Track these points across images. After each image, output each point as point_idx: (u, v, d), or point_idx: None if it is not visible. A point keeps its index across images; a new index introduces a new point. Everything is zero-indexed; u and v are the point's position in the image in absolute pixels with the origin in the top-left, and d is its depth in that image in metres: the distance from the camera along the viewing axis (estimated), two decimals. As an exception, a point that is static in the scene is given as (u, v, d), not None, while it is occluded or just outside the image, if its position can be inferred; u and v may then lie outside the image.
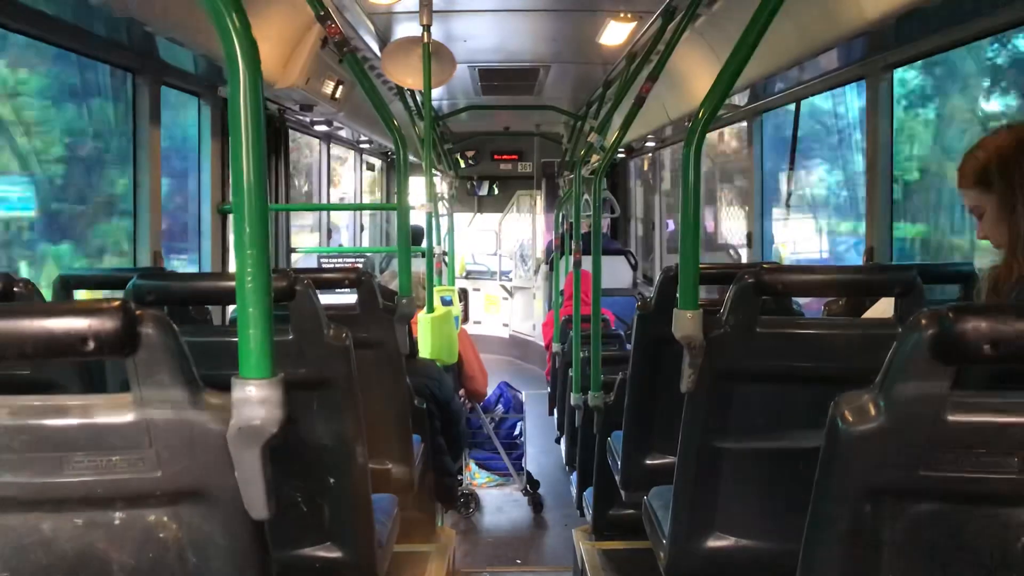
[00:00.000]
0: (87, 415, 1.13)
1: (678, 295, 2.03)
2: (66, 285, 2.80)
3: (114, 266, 3.91)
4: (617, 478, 3.16)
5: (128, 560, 1.18)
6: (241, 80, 1.14)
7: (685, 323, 1.95)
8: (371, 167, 10.09)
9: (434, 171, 5.88)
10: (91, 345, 1.07)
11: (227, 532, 1.18)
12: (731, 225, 7.14)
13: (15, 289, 1.96)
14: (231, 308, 3.43)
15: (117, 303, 1.09)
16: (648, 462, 2.98)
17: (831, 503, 1.22)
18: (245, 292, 1.16)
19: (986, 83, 3.79)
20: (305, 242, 7.47)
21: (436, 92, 6.99)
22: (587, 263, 4.68)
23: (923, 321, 1.13)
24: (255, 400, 1.14)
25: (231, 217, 4.70)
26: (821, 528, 1.24)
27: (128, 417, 1.13)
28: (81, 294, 2.84)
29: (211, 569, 1.19)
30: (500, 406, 6.37)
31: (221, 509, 1.17)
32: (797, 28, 3.56)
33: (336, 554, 2.19)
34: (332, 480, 2.12)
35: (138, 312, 1.10)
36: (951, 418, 1.14)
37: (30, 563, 1.16)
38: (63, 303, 1.13)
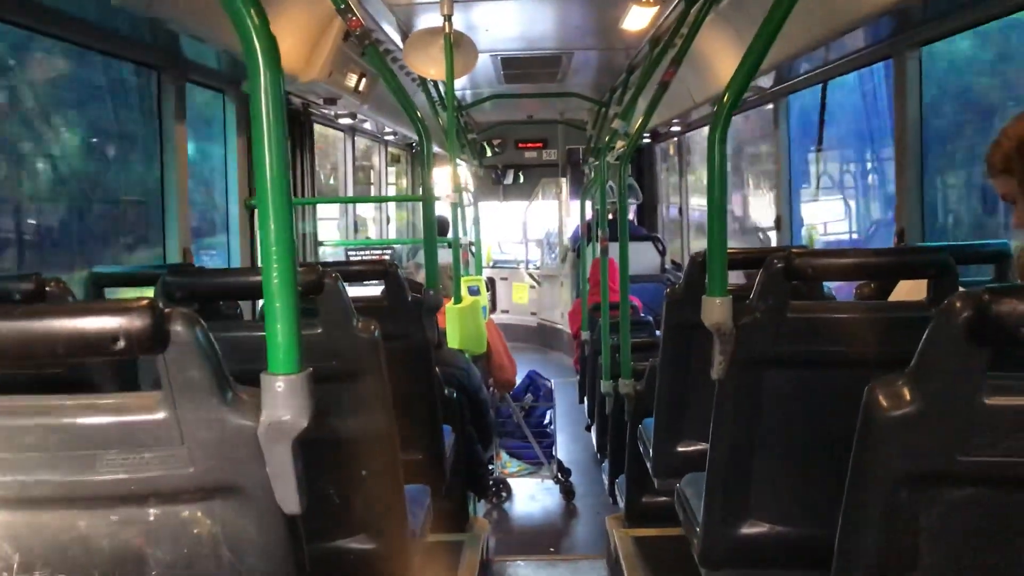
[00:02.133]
0: (119, 413, 1.14)
1: (707, 281, 2.01)
2: (97, 283, 2.84)
3: (144, 263, 3.95)
4: (649, 465, 3.16)
5: (163, 556, 1.19)
6: (261, 76, 1.14)
7: (714, 310, 1.93)
8: (396, 159, 10.10)
9: (458, 161, 5.88)
10: (121, 344, 1.08)
11: (260, 527, 1.19)
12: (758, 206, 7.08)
13: (47, 288, 1.98)
14: (261, 302, 3.46)
15: (146, 302, 1.10)
16: (680, 449, 2.97)
17: (867, 489, 1.21)
18: (271, 287, 1.16)
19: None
20: (331, 236, 7.49)
21: (459, 82, 6.98)
22: (614, 250, 4.66)
23: (958, 303, 1.11)
24: (284, 395, 1.15)
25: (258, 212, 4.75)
26: (857, 514, 1.23)
27: (160, 414, 1.13)
28: (112, 292, 2.88)
29: (245, 563, 1.20)
30: (529, 395, 6.36)
31: (254, 504, 1.18)
32: (822, 7, 3.52)
33: (370, 546, 2.20)
34: (364, 472, 2.13)
35: (167, 310, 1.11)
36: (988, 401, 1.12)
37: (67, 560, 1.18)
38: (92, 302, 1.14)
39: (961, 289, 1.78)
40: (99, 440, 1.13)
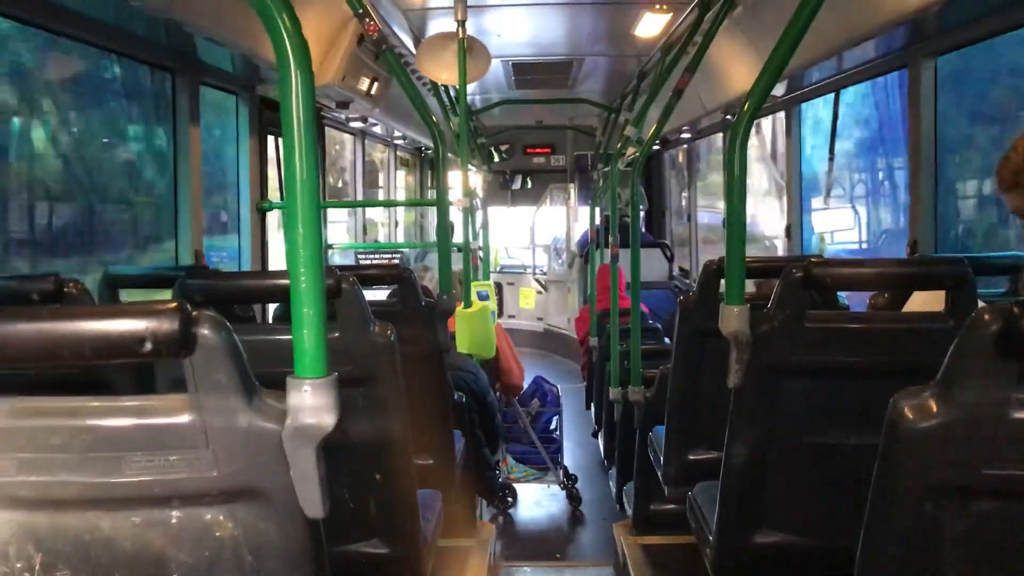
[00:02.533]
0: (145, 415, 1.14)
1: (724, 290, 2.01)
2: (111, 283, 2.84)
3: (157, 264, 3.95)
4: (659, 473, 3.15)
5: (185, 559, 1.19)
6: (292, 80, 1.14)
7: (732, 318, 1.93)
8: (405, 163, 10.11)
9: (468, 166, 5.90)
10: (148, 346, 1.08)
11: (282, 531, 1.19)
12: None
13: (65, 289, 1.98)
14: (272, 305, 3.46)
15: (174, 304, 1.10)
16: (691, 457, 2.96)
17: (891, 501, 1.20)
18: (299, 292, 1.16)
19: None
20: (337, 238, 7.50)
21: (470, 87, 6.98)
22: (623, 256, 4.66)
23: (986, 316, 1.11)
24: (310, 399, 1.15)
25: (269, 215, 4.74)
26: (880, 526, 1.23)
27: (185, 418, 1.13)
28: (125, 293, 2.88)
29: (267, 567, 1.20)
30: (536, 400, 6.36)
31: (277, 508, 1.18)
32: (838, 17, 3.51)
33: (383, 550, 2.20)
34: (378, 476, 2.13)
35: (194, 313, 1.11)
36: (1016, 415, 1.12)
37: (89, 561, 1.18)
38: (119, 305, 1.14)
39: (980, 303, 1.78)
40: (125, 442, 1.13)
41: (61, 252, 3.61)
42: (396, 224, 9.34)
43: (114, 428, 1.13)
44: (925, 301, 2.30)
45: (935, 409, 1.14)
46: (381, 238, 8.95)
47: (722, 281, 2.11)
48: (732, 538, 2.17)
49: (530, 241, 11.90)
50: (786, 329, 1.95)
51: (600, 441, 6.56)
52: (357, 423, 2.10)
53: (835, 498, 2.02)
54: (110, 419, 1.13)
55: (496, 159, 11.74)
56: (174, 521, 1.18)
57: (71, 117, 3.67)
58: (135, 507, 1.17)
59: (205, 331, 1.11)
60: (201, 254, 3.85)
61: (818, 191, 5.52)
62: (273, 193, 4.90)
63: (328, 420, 1.15)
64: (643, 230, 10.03)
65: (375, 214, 8.86)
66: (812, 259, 1.95)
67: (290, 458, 1.16)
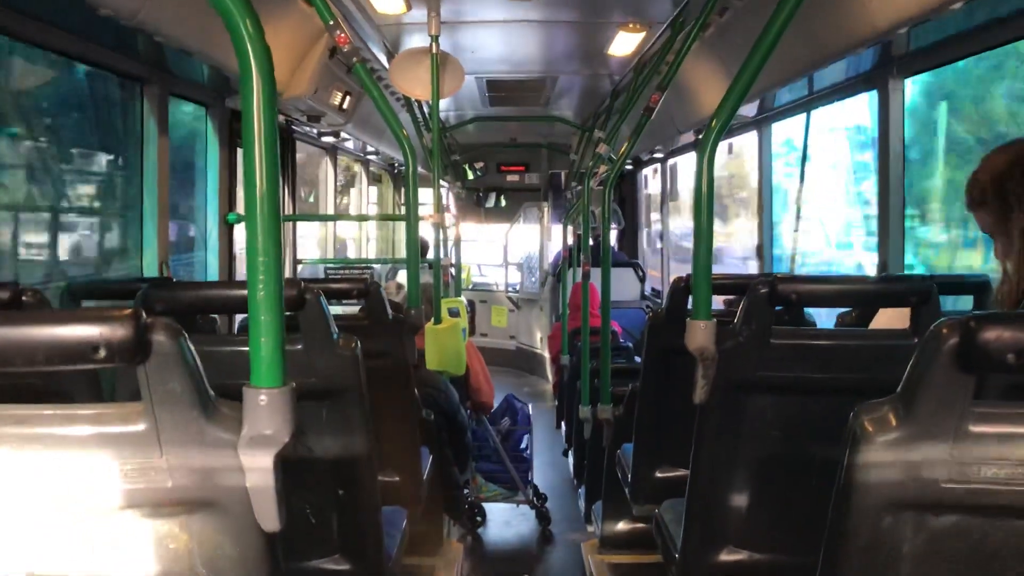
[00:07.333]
0: (98, 424, 1.12)
1: (691, 306, 2.01)
2: (74, 295, 2.80)
3: (121, 275, 3.91)
4: (627, 491, 3.14)
5: (138, 570, 1.16)
6: (255, 87, 1.13)
7: (699, 334, 1.93)
8: (377, 179, 10.09)
9: (441, 183, 5.88)
10: (102, 353, 1.06)
11: (238, 543, 1.17)
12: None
13: (24, 298, 1.95)
14: (239, 317, 3.43)
15: (128, 311, 1.08)
16: (659, 475, 2.96)
17: (851, 516, 1.20)
18: (257, 301, 1.15)
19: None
20: (308, 254, 7.45)
21: (443, 103, 6.98)
22: (595, 275, 4.67)
23: (945, 330, 1.11)
24: (266, 409, 1.13)
25: (236, 228, 4.70)
26: (840, 541, 1.22)
27: (139, 426, 1.11)
28: (89, 304, 2.84)
29: None
30: (506, 419, 6.33)
31: (232, 520, 1.16)
32: (807, 37, 3.55)
33: (345, 567, 2.17)
34: (341, 492, 2.11)
35: (148, 320, 1.09)
36: (974, 428, 1.12)
37: (39, 572, 1.15)
38: (73, 311, 1.12)
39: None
40: (77, 450, 1.11)
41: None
42: (367, 240, 9.30)
43: (66, 437, 1.11)
44: (891, 319, 2.31)
45: (894, 422, 1.15)
46: (351, 254, 8.91)
47: (690, 298, 2.12)
48: (697, 556, 2.16)
49: (503, 259, 11.89)
50: (752, 345, 1.96)
51: (570, 460, 6.55)
52: (320, 437, 2.07)
53: (800, 515, 2.02)
54: (62, 427, 1.11)
55: (470, 176, 11.72)
56: (127, 532, 1.16)
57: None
58: (87, 516, 1.15)
59: (160, 338, 1.10)
60: (167, 265, 3.81)
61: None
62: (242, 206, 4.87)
63: (284, 431, 1.13)
64: (616, 249, 10.06)
65: (344, 230, 8.82)
66: (778, 276, 1.96)
67: (246, 469, 1.14)
